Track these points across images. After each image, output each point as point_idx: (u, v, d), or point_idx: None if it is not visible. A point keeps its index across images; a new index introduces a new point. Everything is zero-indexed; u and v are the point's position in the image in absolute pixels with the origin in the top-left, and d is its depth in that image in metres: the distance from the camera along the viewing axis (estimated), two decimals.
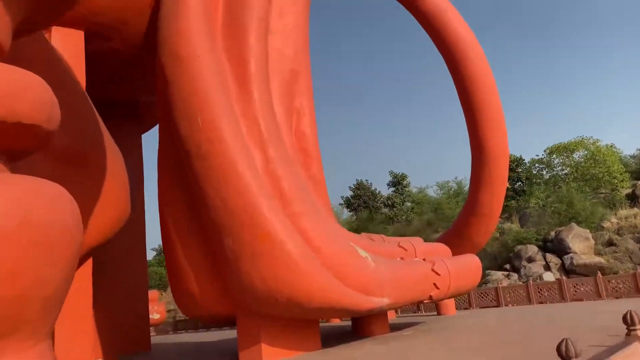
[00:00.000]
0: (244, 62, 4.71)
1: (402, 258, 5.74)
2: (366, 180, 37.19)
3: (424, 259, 5.64)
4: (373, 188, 37.10)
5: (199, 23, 4.68)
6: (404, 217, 30.69)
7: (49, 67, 4.77)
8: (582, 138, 27.25)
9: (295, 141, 5.30)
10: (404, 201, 33.35)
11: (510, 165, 25.69)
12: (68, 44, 5.47)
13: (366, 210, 34.54)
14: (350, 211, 38.14)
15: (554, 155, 27.32)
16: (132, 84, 7.23)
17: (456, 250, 6.55)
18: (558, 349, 2.64)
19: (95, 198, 5.01)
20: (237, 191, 4.21)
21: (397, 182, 34.79)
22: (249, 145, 4.51)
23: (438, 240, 8.15)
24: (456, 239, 7.42)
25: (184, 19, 4.65)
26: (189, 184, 4.63)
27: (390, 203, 33.76)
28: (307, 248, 4.35)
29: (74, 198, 4.29)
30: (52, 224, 1.71)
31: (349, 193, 38.46)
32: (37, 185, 1.73)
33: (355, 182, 37.93)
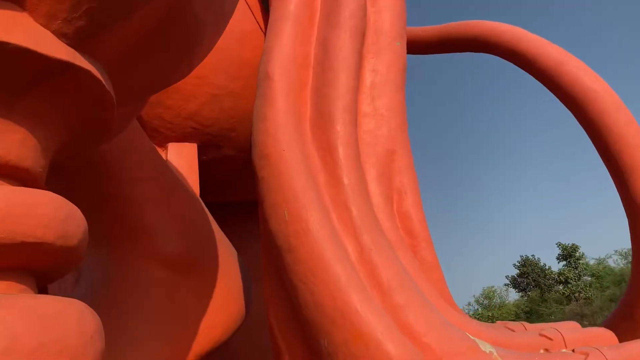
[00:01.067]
0: (331, 150, 4.58)
1: (546, 350, 4.77)
2: (532, 255, 34.01)
3: (573, 350, 4.62)
4: (542, 264, 33.72)
5: (286, 120, 4.72)
6: (581, 295, 26.96)
7: (163, 181, 5.09)
8: None
9: (399, 223, 4.89)
10: (580, 275, 29.46)
11: None
12: (183, 156, 5.93)
13: (537, 289, 31.24)
14: (518, 291, 34.92)
15: None
16: (248, 186, 7.59)
17: (627, 336, 5.28)
18: None
19: (205, 304, 5.05)
20: (325, 285, 3.88)
21: (568, 254, 31.10)
22: (340, 234, 4.21)
23: (603, 324, 6.74)
24: (626, 321, 6.00)
25: (270, 120, 4.74)
26: (285, 281, 4.45)
27: (563, 279, 30.09)
28: (412, 347, 3.75)
29: (182, 304, 4.19)
30: (44, 346, 1.56)
31: (514, 271, 35.51)
32: (33, 305, 1.61)
33: (519, 259, 34.93)
